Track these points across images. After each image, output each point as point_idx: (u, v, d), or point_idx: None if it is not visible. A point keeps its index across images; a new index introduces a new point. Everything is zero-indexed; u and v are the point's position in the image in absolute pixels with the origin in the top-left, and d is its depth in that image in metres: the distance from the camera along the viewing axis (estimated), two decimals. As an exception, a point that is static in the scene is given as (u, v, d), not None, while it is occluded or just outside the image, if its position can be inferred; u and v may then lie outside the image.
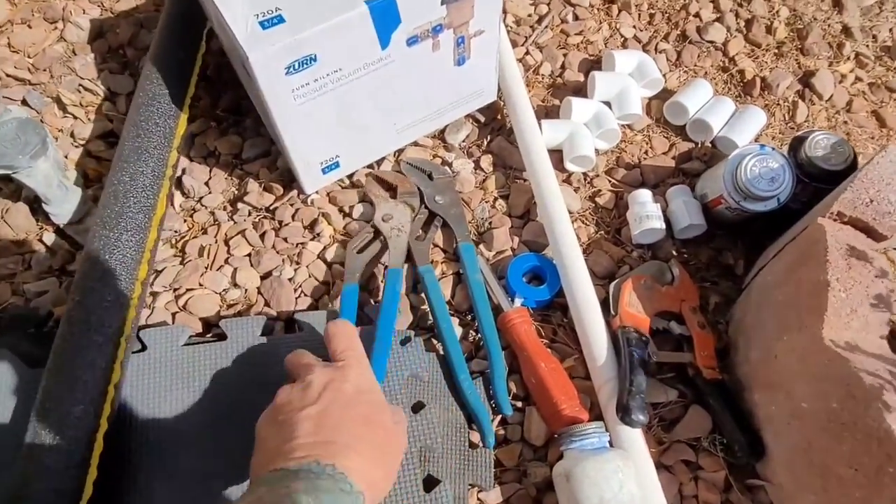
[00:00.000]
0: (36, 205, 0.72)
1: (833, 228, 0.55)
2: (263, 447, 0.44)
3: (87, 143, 0.78)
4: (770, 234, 0.68)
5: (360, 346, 0.50)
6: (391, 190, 0.73)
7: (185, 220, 0.72)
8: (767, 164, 0.66)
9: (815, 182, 0.66)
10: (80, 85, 0.81)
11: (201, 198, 0.74)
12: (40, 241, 0.72)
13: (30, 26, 0.85)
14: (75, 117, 0.79)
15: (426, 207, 0.71)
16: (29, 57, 0.83)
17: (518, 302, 0.66)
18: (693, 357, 0.62)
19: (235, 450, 0.56)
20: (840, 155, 0.66)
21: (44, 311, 0.65)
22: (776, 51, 0.86)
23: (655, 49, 0.86)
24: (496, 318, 0.64)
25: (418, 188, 0.73)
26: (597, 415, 0.61)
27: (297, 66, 0.56)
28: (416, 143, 0.77)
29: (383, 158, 0.75)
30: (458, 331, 0.65)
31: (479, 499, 0.58)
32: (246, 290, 0.67)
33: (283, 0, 0.55)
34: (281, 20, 0.54)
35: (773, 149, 0.67)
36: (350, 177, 0.74)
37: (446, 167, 0.76)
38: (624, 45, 0.86)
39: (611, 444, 0.57)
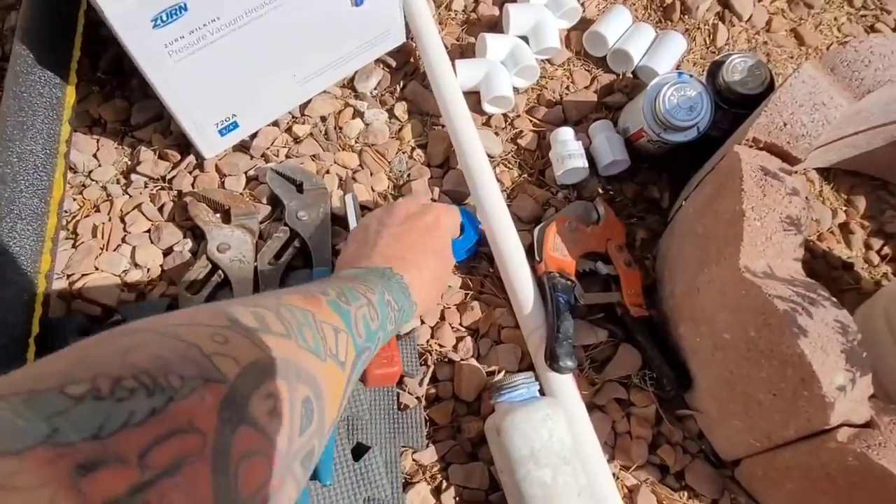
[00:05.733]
0: None
1: (748, 156, 0.53)
2: (348, 251, 0.52)
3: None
4: (693, 164, 0.67)
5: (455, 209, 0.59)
6: (223, 212, 0.63)
7: (74, 199, 0.66)
8: (685, 92, 0.64)
9: (734, 108, 0.65)
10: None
11: (90, 172, 0.67)
12: None
13: None
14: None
15: (286, 225, 0.62)
16: None
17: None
18: (620, 296, 0.62)
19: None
20: (757, 78, 0.65)
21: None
22: (695, -29, 0.83)
23: (572, -24, 0.81)
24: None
25: (281, 202, 0.63)
26: (528, 364, 0.60)
27: (164, 18, 0.49)
28: (325, 92, 0.71)
29: (289, 114, 0.70)
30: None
31: (413, 459, 0.56)
32: (148, 269, 0.62)
33: (140, -59, 0.48)
34: (139, -35, 0.47)
35: (691, 76, 0.65)
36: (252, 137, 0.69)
37: (321, 178, 0.66)
38: (539, -26, 0.81)
39: (542, 393, 0.57)
